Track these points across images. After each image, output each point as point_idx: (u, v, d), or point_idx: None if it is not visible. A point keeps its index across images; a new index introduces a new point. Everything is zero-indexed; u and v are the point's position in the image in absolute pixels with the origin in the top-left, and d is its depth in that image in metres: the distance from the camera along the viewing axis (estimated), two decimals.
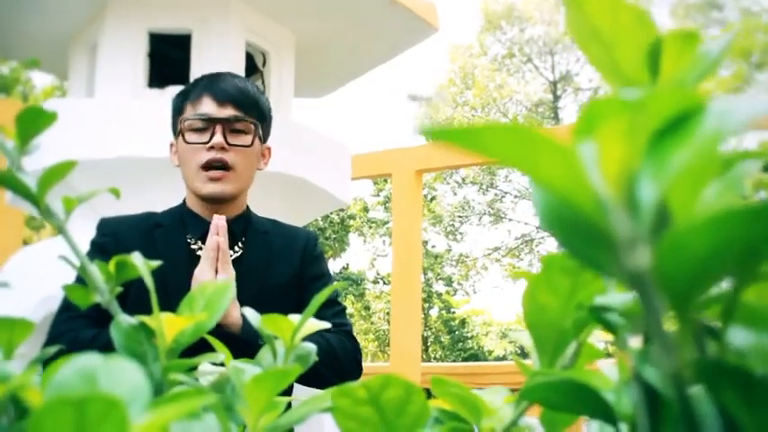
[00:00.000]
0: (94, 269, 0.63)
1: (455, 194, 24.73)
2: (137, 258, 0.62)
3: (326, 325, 0.66)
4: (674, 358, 0.26)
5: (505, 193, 24.72)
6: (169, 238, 1.86)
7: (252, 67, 4.25)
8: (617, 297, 0.40)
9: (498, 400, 0.54)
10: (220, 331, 1.63)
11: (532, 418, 0.58)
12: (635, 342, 0.38)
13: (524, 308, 0.49)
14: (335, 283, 2.00)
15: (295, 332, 0.61)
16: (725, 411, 0.29)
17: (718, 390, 0.27)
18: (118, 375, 0.32)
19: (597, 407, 0.40)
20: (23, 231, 8.19)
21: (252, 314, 0.65)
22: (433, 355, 21.68)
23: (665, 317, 0.26)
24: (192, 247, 1.86)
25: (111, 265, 0.63)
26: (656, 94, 0.25)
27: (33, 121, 0.65)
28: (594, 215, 0.26)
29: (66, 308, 1.75)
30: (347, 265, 22.52)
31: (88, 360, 0.33)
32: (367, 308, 22.34)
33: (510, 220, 24.74)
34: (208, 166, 1.84)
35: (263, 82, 4.24)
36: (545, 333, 0.49)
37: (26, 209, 4.84)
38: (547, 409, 0.49)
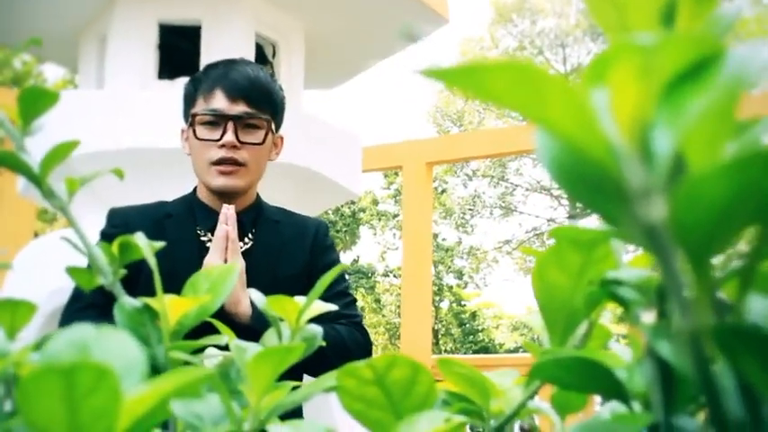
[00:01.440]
0: (98, 251, 0.62)
1: (466, 187, 24.71)
2: (141, 240, 0.61)
3: (332, 307, 0.65)
4: (691, 317, 0.25)
5: (516, 185, 24.68)
6: (179, 229, 1.85)
7: (262, 59, 4.24)
8: (630, 271, 0.38)
9: (507, 382, 0.53)
10: (231, 321, 1.62)
11: (543, 402, 0.57)
12: (648, 317, 0.37)
13: (534, 287, 0.48)
14: (345, 272, 1.99)
15: (300, 314, 0.60)
16: (743, 380, 0.27)
17: (736, 356, 0.26)
18: (112, 347, 0.31)
19: (609, 385, 0.39)
20: (35, 224, 8.21)
21: (258, 297, 0.64)
22: (443, 348, 21.68)
23: (682, 272, 0.25)
24: (202, 238, 1.85)
25: (115, 247, 0.62)
26: (672, 39, 0.24)
27: (35, 102, 0.64)
28: (606, 164, 0.24)
29: (76, 298, 1.74)
30: (358, 257, 22.54)
31: (81, 331, 0.32)
32: (377, 300, 22.36)
33: (521, 213, 24.71)
34: (219, 163, 1.82)
35: (272, 73, 4.23)
36: (555, 312, 0.47)
37: (38, 201, 4.84)
38: (557, 387, 0.48)
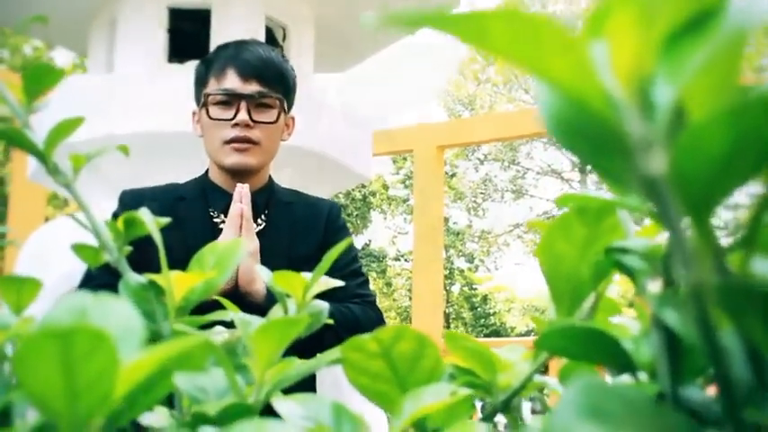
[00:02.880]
0: (104, 228, 0.62)
1: (477, 171, 24.69)
2: (146, 217, 0.61)
3: (339, 282, 0.65)
4: (694, 273, 0.25)
5: (527, 169, 24.65)
6: (192, 211, 1.84)
7: (272, 42, 4.23)
8: (636, 240, 0.38)
9: (514, 357, 0.53)
10: (244, 301, 1.62)
11: (551, 378, 0.57)
12: (654, 286, 0.37)
13: (540, 258, 0.47)
14: (353, 249, 1.99)
15: (307, 289, 0.60)
16: (748, 343, 0.27)
17: (740, 317, 0.25)
18: (110, 313, 0.30)
19: (615, 355, 0.39)
20: (46, 209, 8.24)
21: (265, 273, 0.64)
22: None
23: (684, 226, 0.24)
24: (215, 220, 1.84)
25: (120, 223, 0.62)
26: None
27: (40, 79, 0.64)
28: (606, 116, 0.24)
29: (89, 279, 1.74)
30: (369, 241, 22.58)
31: (80, 298, 0.31)
32: (389, 284, 22.41)
33: (532, 196, 24.70)
34: (232, 142, 1.82)
35: (283, 56, 4.22)
36: (562, 284, 0.47)
37: (49, 185, 4.86)
38: (563, 358, 0.47)
